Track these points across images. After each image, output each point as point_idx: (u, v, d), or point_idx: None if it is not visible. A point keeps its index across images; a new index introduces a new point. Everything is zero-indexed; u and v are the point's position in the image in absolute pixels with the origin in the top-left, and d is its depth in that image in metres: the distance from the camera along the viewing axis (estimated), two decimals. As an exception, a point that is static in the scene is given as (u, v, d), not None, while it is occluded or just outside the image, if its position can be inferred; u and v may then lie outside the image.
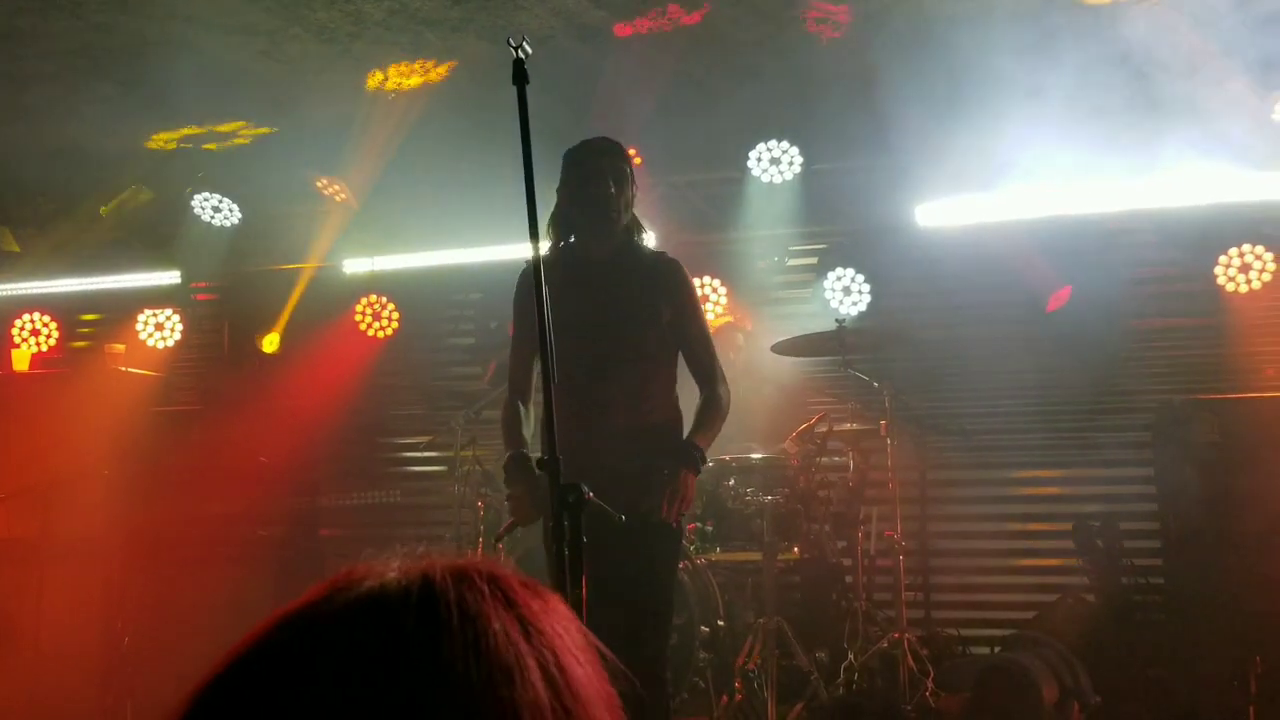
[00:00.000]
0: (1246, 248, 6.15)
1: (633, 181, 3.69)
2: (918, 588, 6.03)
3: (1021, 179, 6.19)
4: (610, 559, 2.83)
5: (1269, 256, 6.12)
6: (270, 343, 7.36)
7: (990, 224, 6.49)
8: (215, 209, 7.21)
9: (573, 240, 3.65)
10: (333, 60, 5.97)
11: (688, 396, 3.80)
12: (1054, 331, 6.41)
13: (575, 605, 2.27)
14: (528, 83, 2.40)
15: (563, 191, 3.62)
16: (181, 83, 6.14)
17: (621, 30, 5.64)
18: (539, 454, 2.55)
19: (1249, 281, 6.15)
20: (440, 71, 6.02)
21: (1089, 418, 6.52)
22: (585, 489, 2.36)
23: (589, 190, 3.54)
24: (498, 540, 3.82)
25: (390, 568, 0.82)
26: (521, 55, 2.41)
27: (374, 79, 6.17)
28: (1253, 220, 6.23)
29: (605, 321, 3.57)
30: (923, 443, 6.07)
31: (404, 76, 6.16)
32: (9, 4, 5.23)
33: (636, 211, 3.75)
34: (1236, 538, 5.33)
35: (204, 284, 7.82)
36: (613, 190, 3.54)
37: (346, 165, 6.97)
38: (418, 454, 7.45)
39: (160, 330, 7.57)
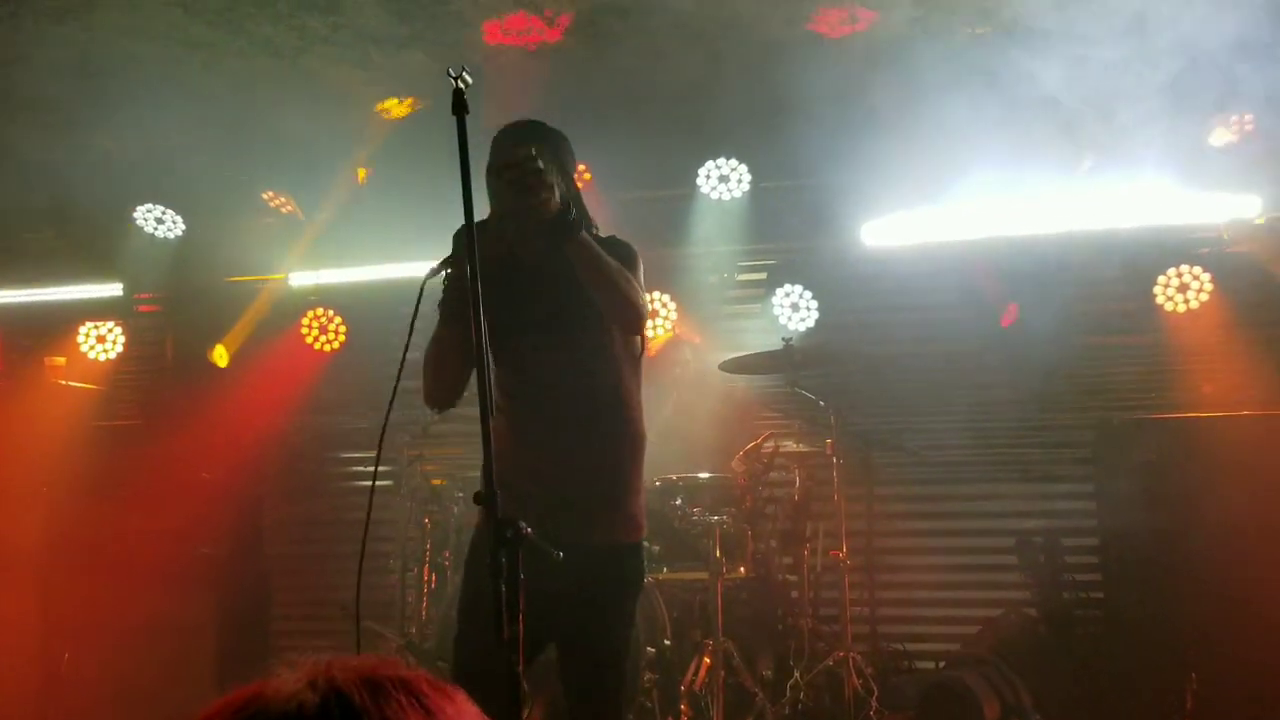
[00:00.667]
0: (1185, 268, 6.26)
1: (567, 162, 3.23)
2: (863, 603, 6.06)
3: (965, 198, 6.27)
4: (557, 599, 2.74)
5: (1206, 277, 6.24)
6: (220, 356, 7.26)
7: (935, 243, 6.57)
8: (159, 220, 7.11)
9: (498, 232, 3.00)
10: (279, 75, 5.91)
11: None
12: (998, 349, 6.49)
13: (513, 644, 2.27)
14: (467, 113, 2.38)
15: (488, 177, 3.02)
16: (123, 95, 6.07)
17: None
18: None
19: (1187, 301, 6.26)
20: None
21: (1031, 434, 6.61)
22: (523, 525, 2.31)
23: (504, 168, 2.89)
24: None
25: (296, 683, 0.80)
26: (461, 85, 2.39)
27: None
28: (1189, 241, 6.35)
29: (536, 320, 3.12)
30: (868, 460, 6.11)
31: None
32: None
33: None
34: (1174, 555, 5.42)
35: (147, 296, 7.69)
36: (539, 164, 2.85)
37: (293, 178, 6.91)
38: (364, 469, 7.38)
39: (102, 343, 7.45)
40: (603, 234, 3.21)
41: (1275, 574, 5.12)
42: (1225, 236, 6.32)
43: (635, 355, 3.23)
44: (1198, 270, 6.24)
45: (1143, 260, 6.36)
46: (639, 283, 3.13)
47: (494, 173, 2.96)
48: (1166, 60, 5.21)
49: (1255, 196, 6.13)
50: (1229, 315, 6.27)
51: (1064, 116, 5.55)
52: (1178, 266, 6.27)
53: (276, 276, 7.30)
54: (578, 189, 3.27)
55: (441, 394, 3.17)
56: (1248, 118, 5.97)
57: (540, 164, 2.83)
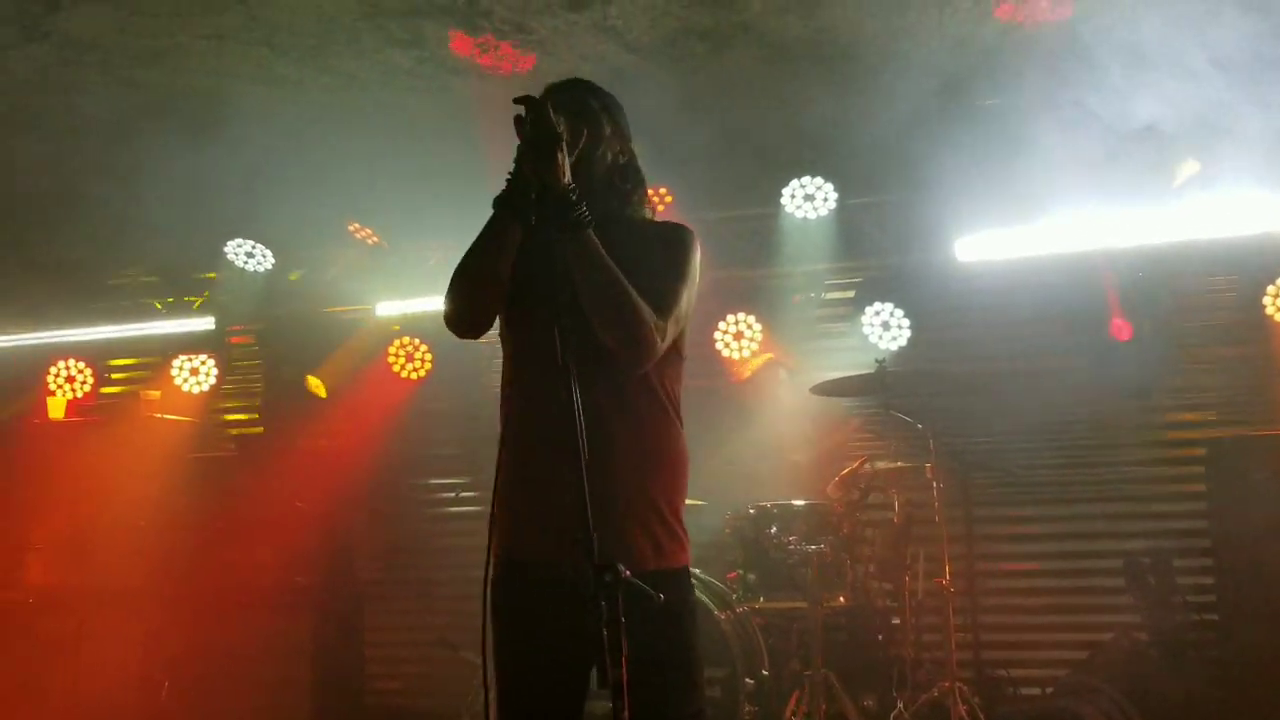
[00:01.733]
0: (1295, 276, 6.00)
1: (612, 125, 2.77)
2: (966, 629, 5.91)
3: (1061, 211, 6.09)
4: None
5: (1319, 285, 5.97)
6: (318, 386, 7.33)
7: (1031, 257, 6.38)
8: (249, 255, 7.20)
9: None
10: (362, 108, 5.95)
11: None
12: (1100, 365, 6.28)
13: (616, 687, 2.19)
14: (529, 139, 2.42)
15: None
16: (211, 133, 6.15)
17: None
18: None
19: (1297, 310, 6.00)
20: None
21: (1137, 451, 6.38)
22: (622, 568, 2.19)
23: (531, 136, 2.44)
24: None
25: None
26: (522, 114, 2.41)
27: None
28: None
29: (569, 301, 2.49)
30: (967, 482, 5.96)
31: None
32: (37, 60, 5.24)
33: None
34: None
35: (239, 328, 7.80)
36: (561, 130, 2.44)
37: (377, 208, 6.95)
38: (454, 495, 7.41)
39: (195, 375, 7.56)
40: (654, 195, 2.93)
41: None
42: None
43: (679, 352, 2.74)
44: (1310, 277, 5.98)
45: (1250, 269, 6.12)
46: (681, 271, 2.67)
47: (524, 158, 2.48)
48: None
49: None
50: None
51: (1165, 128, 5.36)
52: (1288, 273, 6.02)
53: (363, 306, 7.35)
54: (620, 158, 2.78)
55: (478, 310, 2.66)
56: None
57: (559, 130, 2.43)
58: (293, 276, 7.50)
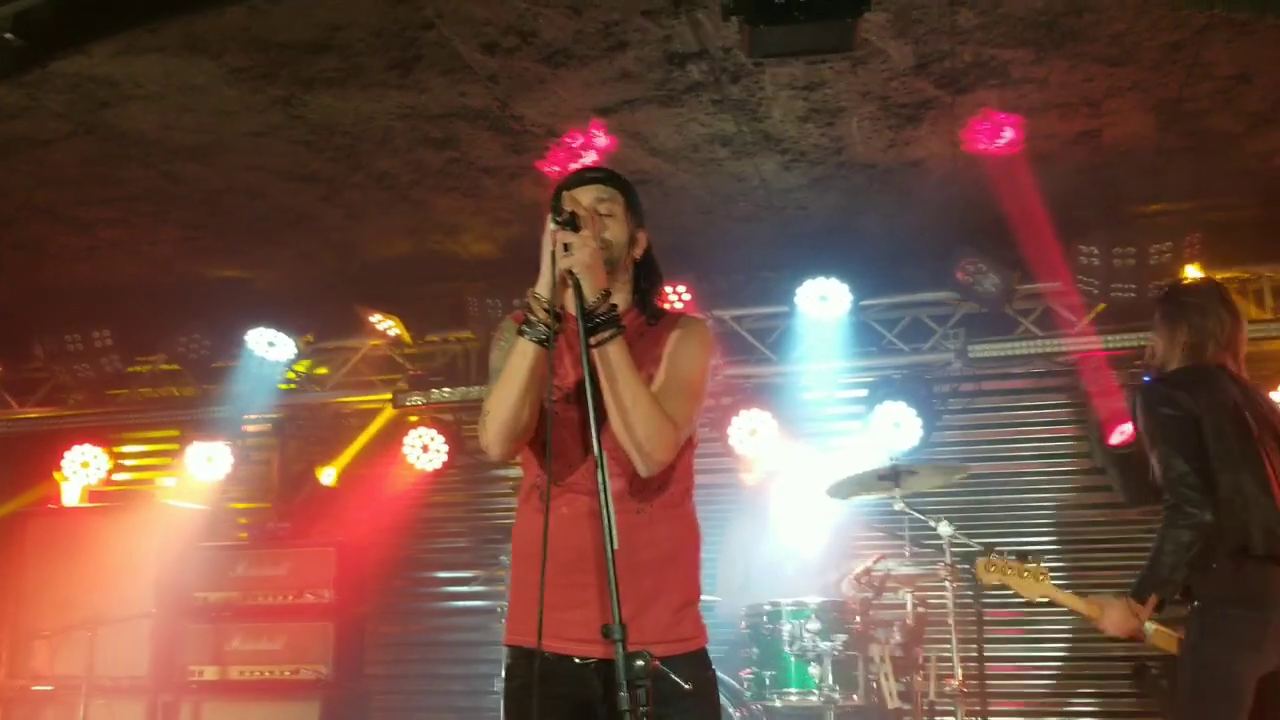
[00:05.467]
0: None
1: (637, 221, 2.80)
2: (979, 731, 5.89)
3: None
4: None
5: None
6: (327, 476, 7.38)
7: (1039, 356, 6.53)
8: (270, 344, 7.30)
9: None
10: (390, 204, 6.12)
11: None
12: (1110, 465, 6.37)
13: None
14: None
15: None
16: (244, 226, 6.33)
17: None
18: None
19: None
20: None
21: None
22: (653, 657, 2.28)
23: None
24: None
25: None
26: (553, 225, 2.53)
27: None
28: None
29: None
30: (979, 581, 5.97)
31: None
32: (81, 153, 5.41)
33: None
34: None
35: (254, 416, 7.87)
36: (600, 239, 2.59)
37: (400, 300, 7.09)
38: (463, 589, 7.43)
39: (210, 462, 7.59)
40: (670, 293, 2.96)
41: None
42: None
43: (692, 441, 2.79)
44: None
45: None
46: (698, 371, 2.72)
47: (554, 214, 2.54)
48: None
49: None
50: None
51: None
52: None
53: (383, 397, 7.44)
54: (642, 253, 2.83)
55: (520, 443, 2.69)
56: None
57: (597, 241, 2.54)
58: (299, 367, 7.58)
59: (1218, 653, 3.61)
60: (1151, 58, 4.73)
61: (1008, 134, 5.34)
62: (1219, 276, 6.38)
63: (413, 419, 7.41)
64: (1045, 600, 4.24)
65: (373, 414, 7.58)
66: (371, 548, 7.42)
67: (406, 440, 7.34)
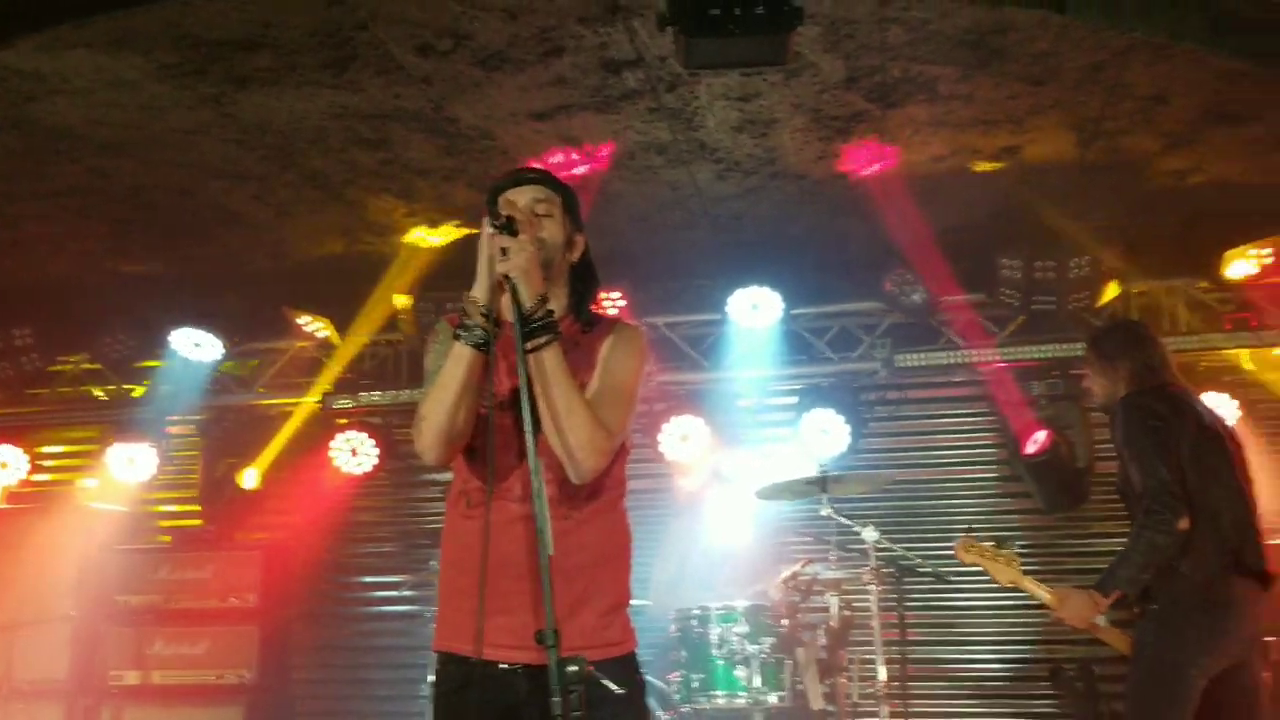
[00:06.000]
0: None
1: (575, 225, 2.79)
2: (900, 733, 5.99)
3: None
4: None
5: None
6: (248, 478, 7.29)
7: (963, 365, 6.68)
8: (195, 345, 7.20)
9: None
10: (322, 204, 6.08)
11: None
12: (1031, 472, 6.53)
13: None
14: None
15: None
16: (172, 223, 6.25)
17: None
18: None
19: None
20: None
21: (1068, 560, 6.58)
22: (587, 662, 2.30)
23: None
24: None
25: None
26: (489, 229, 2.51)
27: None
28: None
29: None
30: (902, 586, 6.09)
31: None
32: (5, 146, 5.31)
33: None
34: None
35: (178, 417, 7.76)
36: (538, 241, 2.60)
37: (331, 302, 7.03)
38: (391, 594, 7.38)
39: (132, 464, 7.46)
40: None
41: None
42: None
43: (625, 445, 2.77)
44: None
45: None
46: (632, 379, 2.71)
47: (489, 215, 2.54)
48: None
49: None
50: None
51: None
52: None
53: (311, 399, 7.37)
54: (579, 257, 2.81)
55: (457, 448, 2.64)
56: None
57: (536, 244, 2.54)
58: (225, 367, 7.49)
59: (1173, 654, 3.80)
60: (1074, 77, 4.87)
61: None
62: (1135, 290, 6.63)
63: (341, 421, 7.35)
64: (1012, 586, 4.36)
65: (302, 416, 7.49)
66: (298, 551, 7.36)
67: (334, 444, 7.28)
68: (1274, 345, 6.37)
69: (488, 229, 2.51)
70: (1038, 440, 6.43)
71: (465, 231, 6.32)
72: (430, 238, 6.47)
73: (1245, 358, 6.51)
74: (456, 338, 2.54)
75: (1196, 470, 3.91)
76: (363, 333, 7.26)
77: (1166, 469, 3.85)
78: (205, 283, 7.17)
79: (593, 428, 2.54)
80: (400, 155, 5.52)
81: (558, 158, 5.53)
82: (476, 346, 2.52)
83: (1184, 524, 3.80)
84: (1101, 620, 4.02)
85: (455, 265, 6.43)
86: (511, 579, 2.57)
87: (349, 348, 7.38)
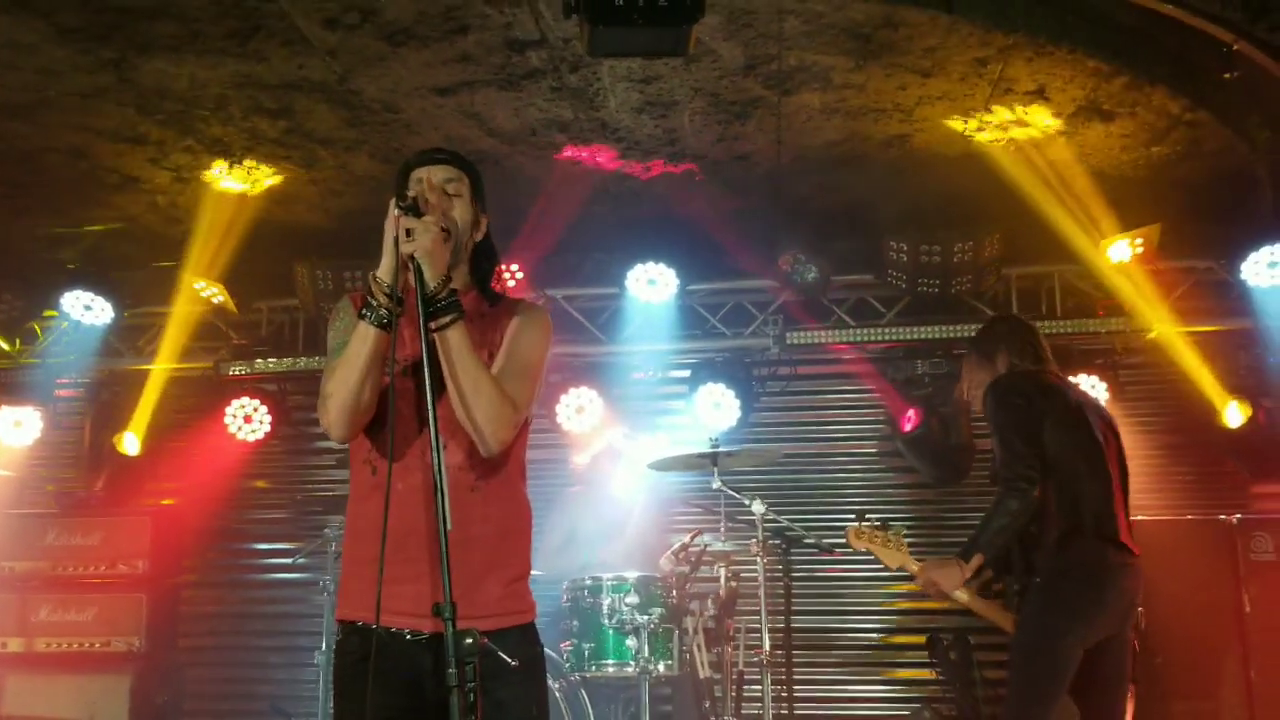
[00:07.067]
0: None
1: (479, 203, 2.83)
2: (783, 700, 6.21)
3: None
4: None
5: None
6: (124, 442, 7.18)
7: (852, 343, 6.93)
8: (86, 307, 7.07)
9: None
10: (224, 171, 6.03)
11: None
12: (911, 448, 6.79)
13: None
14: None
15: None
16: (66, 186, 6.13)
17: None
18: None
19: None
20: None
21: (951, 532, 6.86)
22: (481, 634, 2.36)
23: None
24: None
25: None
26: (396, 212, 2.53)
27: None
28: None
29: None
30: (788, 558, 6.31)
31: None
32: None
33: None
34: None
35: (68, 380, 7.62)
36: (444, 226, 2.60)
37: (226, 268, 6.94)
38: (284, 561, 7.36)
39: (18, 427, 7.31)
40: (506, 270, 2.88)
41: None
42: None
43: (528, 421, 2.82)
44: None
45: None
46: (538, 356, 2.78)
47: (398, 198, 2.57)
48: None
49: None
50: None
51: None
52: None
53: (204, 365, 7.29)
54: (482, 236, 2.86)
55: (362, 424, 2.68)
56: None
57: (442, 226, 2.57)
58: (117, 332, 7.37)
59: (1053, 622, 4.00)
60: (960, 71, 5.08)
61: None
62: (1015, 274, 6.91)
63: (235, 388, 7.27)
64: (900, 569, 4.55)
65: (195, 382, 7.42)
66: (189, 518, 7.31)
67: (228, 410, 7.22)
68: (1145, 330, 6.70)
69: (393, 210, 2.55)
70: (911, 418, 6.71)
71: (271, 172, 6.15)
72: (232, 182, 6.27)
73: (1117, 342, 6.83)
74: (361, 317, 2.58)
75: (1061, 447, 4.10)
76: (259, 299, 7.18)
77: (1022, 442, 4.07)
78: (99, 246, 7.04)
79: (500, 403, 2.61)
80: (302, 125, 5.51)
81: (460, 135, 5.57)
82: (381, 326, 2.56)
83: (1035, 492, 4.01)
84: (961, 595, 4.22)
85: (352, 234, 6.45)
86: (414, 549, 2.61)
87: (245, 314, 7.32)
